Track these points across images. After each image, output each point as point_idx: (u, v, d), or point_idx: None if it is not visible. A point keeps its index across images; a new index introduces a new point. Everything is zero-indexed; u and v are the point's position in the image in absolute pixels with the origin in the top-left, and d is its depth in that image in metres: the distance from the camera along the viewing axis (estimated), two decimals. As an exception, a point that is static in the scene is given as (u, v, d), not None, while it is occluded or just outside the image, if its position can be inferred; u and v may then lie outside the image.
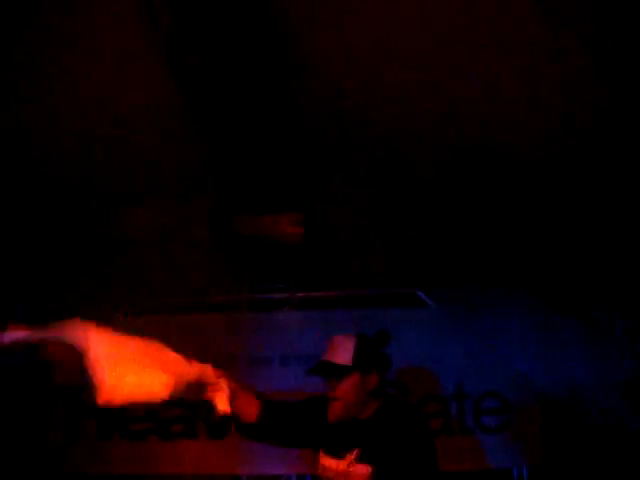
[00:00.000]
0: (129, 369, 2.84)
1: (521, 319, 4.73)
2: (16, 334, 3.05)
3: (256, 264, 4.98)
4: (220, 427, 4.73)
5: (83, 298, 4.94)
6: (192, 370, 3.02)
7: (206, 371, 3.07)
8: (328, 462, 3.15)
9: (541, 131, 3.78)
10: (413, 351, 4.52)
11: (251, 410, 3.20)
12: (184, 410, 4.80)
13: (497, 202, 4.63)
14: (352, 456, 3.03)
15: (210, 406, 3.03)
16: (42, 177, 4.36)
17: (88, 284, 5.01)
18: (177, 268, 4.97)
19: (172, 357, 3.01)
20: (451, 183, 4.57)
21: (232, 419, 3.15)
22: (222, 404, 2.99)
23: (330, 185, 4.94)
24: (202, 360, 4.69)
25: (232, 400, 3.05)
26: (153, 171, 4.54)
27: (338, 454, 3.10)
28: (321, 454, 3.22)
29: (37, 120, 3.89)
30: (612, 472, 4.37)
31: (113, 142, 4.17)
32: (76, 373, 2.90)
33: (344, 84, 3.83)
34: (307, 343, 4.70)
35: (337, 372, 3.10)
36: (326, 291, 4.93)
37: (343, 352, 3.11)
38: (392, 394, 3.31)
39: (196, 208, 4.84)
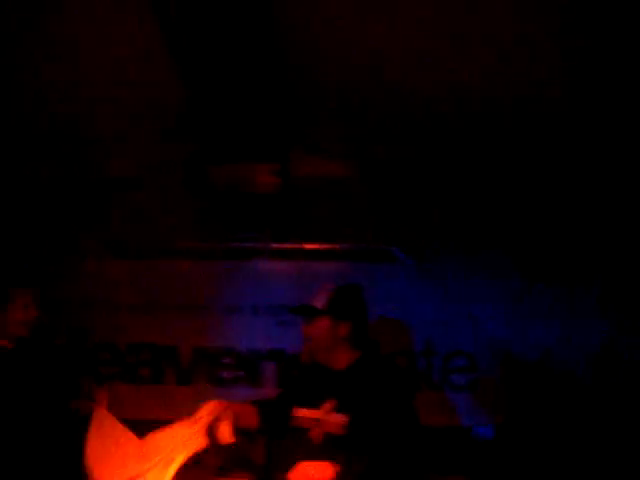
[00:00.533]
0: None
1: (496, 284, 4.73)
2: None
3: (231, 212, 4.92)
4: (187, 374, 4.74)
5: (56, 242, 4.91)
6: (200, 432, 3.10)
7: (210, 417, 3.14)
8: (302, 412, 3.20)
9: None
10: (385, 307, 4.51)
11: (252, 419, 3.37)
12: (152, 355, 4.79)
13: (480, 163, 4.61)
14: (328, 405, 3.10)
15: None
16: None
17: (62, 228, 4.94)
18: (151, 214, 4.90)
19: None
20: (432, 140, 4.54)
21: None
22: (228, 435, 3.14)
23: (309, 135, 4.87)
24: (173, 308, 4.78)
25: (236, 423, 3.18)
26: (130, 115, 4.45)
27: (314, 404, 3.16)
28: (294, 408, 3.27)
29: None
30: (571, 435, 4.46)
31: (91, 86, 4.08)
32: None
33: (326, 35, 3.76)
34: (280, 294, 4.68)
35: (311, 313, 3.25)
36: (301, 243, 4.90)
37: (320, 297, 3.27)
38: (373, 347, 3.38)
39: (172, 154, 4.76)
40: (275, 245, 4.91)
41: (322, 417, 3.10)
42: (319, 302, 3.26)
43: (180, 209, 4.80)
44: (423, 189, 4.91)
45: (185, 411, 4.52)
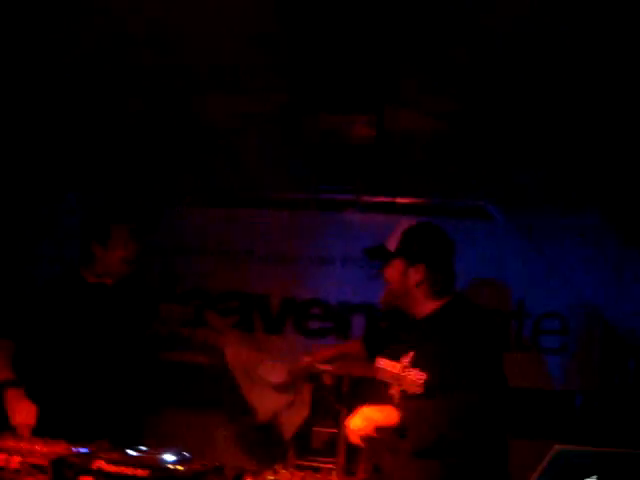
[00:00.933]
0: None
1: (592, 246, 4.56)
2: None
3: (325, 164, 4.90)
4: (276, 323, 4.79)
5: (147, 186, 4.99)
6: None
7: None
8: (384, 364, 3.04)
9: None
10: (477, 265, 4.43)
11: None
12: (241, 303, 4.85)
13: (578, 117, 4.44)
14: (407, 359, 2.90)
15: None
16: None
17: (153, 172, 5.01)
18: (246, 163, 4.92)
19: None
20: (528, 95, 4.39)
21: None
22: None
23: (406, 89, 4.78)
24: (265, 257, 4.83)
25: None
26: (229, 63, 4.44)
27: (395, 356, 2.97)
28: (377, 357, 3.12)
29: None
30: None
31: (193, 31, 4.08)
32: None
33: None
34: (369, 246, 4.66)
35: (383, 256, 3.05)
36: (393, 196, 4.83)
37: (393, 237, 3.03)
38: (461, 295, 3.11)
39: (269, 104, 4.75)
40: (367, 198, 4.86)
41: (399, 373, 2.90)
42: (391, 243, 3.01)
43: (275, 159, 4.80)
44: (519, 145, 4.77)
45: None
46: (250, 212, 4.96)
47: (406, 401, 2.84)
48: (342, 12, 3.86)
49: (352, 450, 4.18)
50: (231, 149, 4.90)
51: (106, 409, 3.49)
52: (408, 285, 2.97)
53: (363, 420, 2.70)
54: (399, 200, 4.81)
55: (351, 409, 2.84)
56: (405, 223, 3.07)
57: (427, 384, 2.79)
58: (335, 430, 4.39)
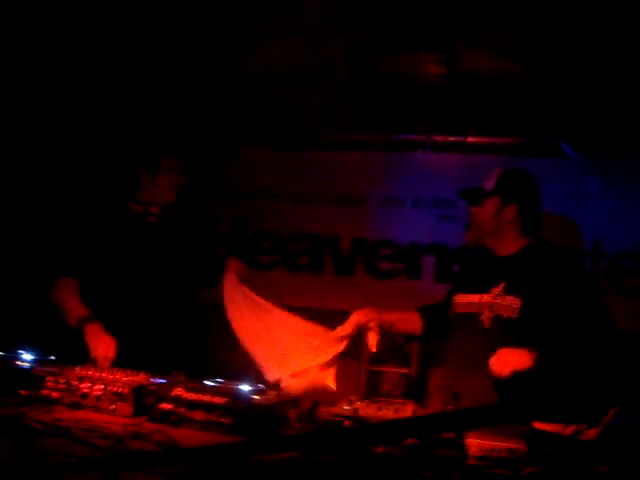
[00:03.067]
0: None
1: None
2: None
3: (395, 104, 4.83)
4: (347, 264, 4.79)
5: (222, 131, 5.00)
6: (344, 335, 3.12)
7: (354, 325, 3.15)
8: (467, 298, 3.14)
9: None
10: (551, 203, 4.31)
11: (415, 325, 3.36)
12: (313, 244, 4.86)
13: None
14: (499, 289, 3.02)
15: None
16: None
17: (229, 117, 5.02)
18: (315, 106, 4.88)
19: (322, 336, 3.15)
20: (598, 33, 4.23)
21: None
22: (371, 344, 3.14)
23: (475, 27, 4.66)
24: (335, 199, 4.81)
25: (390, 330, 3.23)
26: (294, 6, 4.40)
27: (481, 288, 3.08)
28: (456, 294, 3.22)
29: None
30: None
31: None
32: None
33: None
34: (441, 187, 4.63)
35: (479, 195, 3.18)
36: (464, 136, 4.76)
37: (490, 179, 3.18)
38: (543, 238, 3.22)
39: (337, 45, 4.68)
40: (438, 137, 4.80)
41: (493, 300, 3.01)
42: (488, 184, 3.16)
43: (344, 101, 4.75)
44: (592, 83, 4.62)
45: (344, 301, 4.69)
46: (320, 154, 4.94)
47: (501, 326, 2.97)
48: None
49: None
50: (300, 92, 4.87)
51: (176, 341, 3.54)
52: (502, 222, 3.13)
53: (503, 364, 2.77)
54: (470, 139, 4.73)
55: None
56: (498, 169, 3.23)
57: (523, 308, 2.93)
58: (406, 370, 4.41)
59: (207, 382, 2.68)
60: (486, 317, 3.02)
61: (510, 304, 2.96)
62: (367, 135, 4.91)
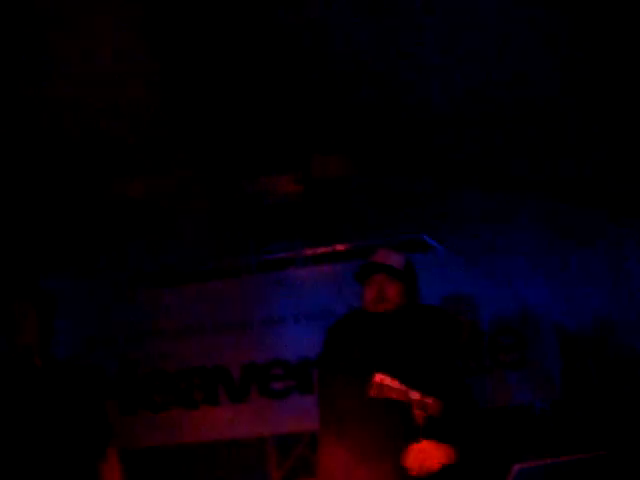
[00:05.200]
0: None
1: (538, 254, 4.66)
2: None
3: (260, 225, 4.96)
4: (240, 391, 4.77)
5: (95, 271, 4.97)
6: None
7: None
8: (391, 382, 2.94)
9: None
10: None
11: None
12: (204, 378, 4.84)
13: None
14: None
15: None
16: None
17: (98, 256, 5.01)
18: (182, 239, 4.95)
19: None
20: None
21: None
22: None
23: (326, 136, 4.86)
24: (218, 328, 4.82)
25: None
26: (149, 140, 4.49)
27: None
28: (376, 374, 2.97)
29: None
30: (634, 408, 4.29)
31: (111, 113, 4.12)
32: None
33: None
34: (319, 299, 4.70)
35: (392, 273, 3.28)
36: (333, 245, 4.91)
37: (396, 259, 3.34)
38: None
39: (196, 175, 4.80)
40: (307, 251, 4.92)
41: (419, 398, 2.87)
42: (397, 263, 3.31)
43: (210, 231, 4.85)
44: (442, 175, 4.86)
45: (241, 427, 4.66)
46: (194, 286, 4.98)
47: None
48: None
49: None
50: (166, 228, 4.93)
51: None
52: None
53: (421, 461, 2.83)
54: (338, 247, 4.88)
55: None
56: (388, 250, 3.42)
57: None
58: None
59: None
60: (418, 415, 2.89)
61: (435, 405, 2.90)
62: (239, 259, 4.98)
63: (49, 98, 3.82)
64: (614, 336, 4.53)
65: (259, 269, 4.96)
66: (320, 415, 3.20)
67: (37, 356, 3.45)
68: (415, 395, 2.86)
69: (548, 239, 4.66)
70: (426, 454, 2.83)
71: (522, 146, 4.44)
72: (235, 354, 4.80)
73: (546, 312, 4.56)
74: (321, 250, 4.92)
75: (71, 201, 4.81)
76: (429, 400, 2.84)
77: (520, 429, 4.41)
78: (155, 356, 4.90)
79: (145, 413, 4.81)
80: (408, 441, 2.86)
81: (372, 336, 3.23)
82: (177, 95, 3.97)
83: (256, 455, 4.80)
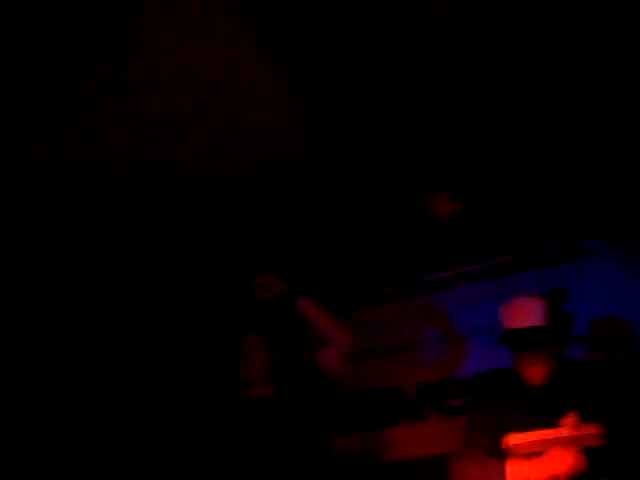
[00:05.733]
0: None
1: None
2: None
3: (420, 246, 5.01)
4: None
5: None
6: None
7: None
8: (529, 436, 3.02)
9: None
10: (594, 305, 4.34)
11: None
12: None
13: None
14: (571, 419, 2.96)
15: None
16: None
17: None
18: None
19: None
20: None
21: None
22: None
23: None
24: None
25: None
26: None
27: (541, 424, 3.02)
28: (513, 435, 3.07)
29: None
30: None
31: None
32: None
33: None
34: (486, 314, 4.64)
35: (538, 336, 3.15)
36: (494, 259, 4.87)
37: (535, 312, 3.19)
38: None
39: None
40: (468, 267, 4.93)
41: (573, 433, 2.93)
42: (538, 319, 3.17)
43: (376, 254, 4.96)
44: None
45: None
46: (366, 310, 5.13)
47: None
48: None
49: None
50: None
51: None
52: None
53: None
54: (499, 260, 4.84)
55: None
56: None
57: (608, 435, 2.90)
58: None
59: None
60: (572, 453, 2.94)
61: (593, 432, 2.92)
62: (403, 283, 5.10)
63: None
64: None
65: (425, 289, 5.03)
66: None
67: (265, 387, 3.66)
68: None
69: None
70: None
71: None
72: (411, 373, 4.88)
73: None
74: (484, 264, 4.89)
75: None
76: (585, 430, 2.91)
77: None
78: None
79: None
80: None
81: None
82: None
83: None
